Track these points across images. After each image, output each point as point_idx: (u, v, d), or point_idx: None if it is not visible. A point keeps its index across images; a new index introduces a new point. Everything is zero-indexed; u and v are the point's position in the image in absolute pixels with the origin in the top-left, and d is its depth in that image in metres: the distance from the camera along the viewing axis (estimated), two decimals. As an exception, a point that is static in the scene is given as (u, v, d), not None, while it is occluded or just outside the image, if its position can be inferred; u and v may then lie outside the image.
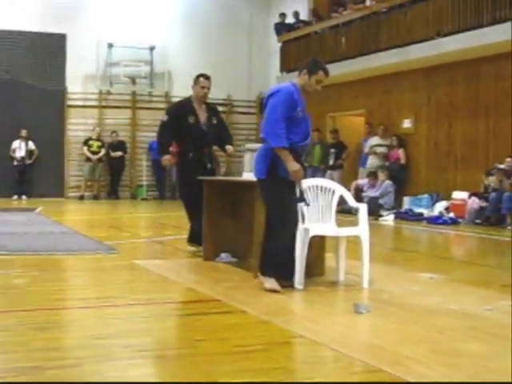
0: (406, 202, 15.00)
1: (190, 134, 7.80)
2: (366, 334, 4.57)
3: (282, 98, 5.65)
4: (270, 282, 5.68)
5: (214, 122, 7.97)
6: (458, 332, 4.41)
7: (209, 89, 7.89)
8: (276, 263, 5.75)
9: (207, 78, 7.92)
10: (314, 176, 15.57)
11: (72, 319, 4.81)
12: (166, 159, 7.98)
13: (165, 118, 7.95)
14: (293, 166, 5.63)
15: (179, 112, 7.91)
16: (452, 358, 3.80)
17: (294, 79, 5.91)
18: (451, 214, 13.43)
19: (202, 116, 7.88)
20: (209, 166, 7.86)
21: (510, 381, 3.25)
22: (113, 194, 19.95)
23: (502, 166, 12.77)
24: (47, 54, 19.44)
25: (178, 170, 8.45)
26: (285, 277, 5.77)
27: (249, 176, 6.89)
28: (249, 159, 7.06)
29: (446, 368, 3.59)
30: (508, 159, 12.70)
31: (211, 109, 8.11)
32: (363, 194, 14.74)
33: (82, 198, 19.46)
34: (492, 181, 13.06)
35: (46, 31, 19.23)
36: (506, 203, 12.36)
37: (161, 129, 8.00)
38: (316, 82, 5.79)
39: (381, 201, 14.50)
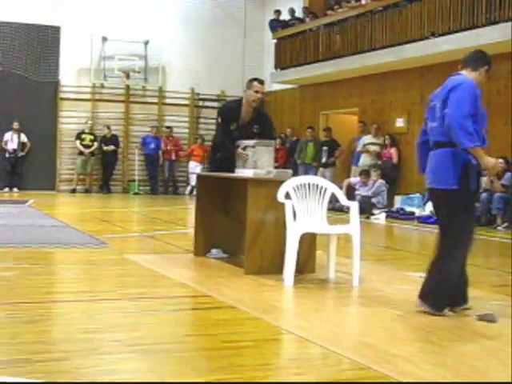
0: (398, 201, 15.03)
1: (227, 138, 7.37)
2: (355, 331, 4.58)
3: (467, 91, 4.85)
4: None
5: (255, 130, 7.34)
6: (447, 331, 4.43)
7: (262, 93, 7.32)
8: (448, 289, 4.89)
9: (261, 82, 7.34)
10: (306, 173, 15.61)
11: (61, 313, 4.81)
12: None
13: (219, 119, 7.57)
14: (488, 160, 4.84)
15: (227, 116, 7.44)
16: (440, 356, 3.82)
17: (465, 72, 5.08)
18: (442, 214, 13.44)
19: (244, 123, 7.37)
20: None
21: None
22: (105, 188, 19.92)
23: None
24: (41, 47, 19.39)
25: (207, 167, 7.79)
26: (457, 303, 4.97)
27: (242, 172, 6.90)
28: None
29: (434, 367, 3.60)
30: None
31: (258, 116, 7.45)
32: (356, 193, 14.77)
33: (73, 191, 19.43)
34: (483, 181, 13.09)
35: (40, 23, 19.18)
36: (496, 204, 12.41)
37: (217, 131, 7.78)
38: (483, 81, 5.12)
39: (374, 200, 14.52)
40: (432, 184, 5.04)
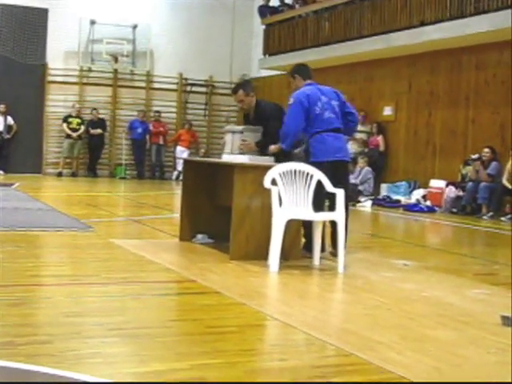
0: (384, 189, 15.07)
1: None
2: (339, 318, 4.60)
3: None
4: None
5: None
6: (429, 319, 4.46)
7: (242, 101, 7.29)
8: None
9: (235, 92, 7.39)
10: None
11: (45, 296, 4.80)
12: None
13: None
14: None
15: (244, 119, 7.66)
16: (421, 344, 3.85)
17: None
18: (428, 202, 13.53)
19: (251, 123, 7.42)
20: None
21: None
22: (91, 171, 19.86)
23: (479, 156, 12.85)
24: (28, 29, 19.23)
25: None
26: None
27: (228, 158, 6.89)
28: (229, 141, 7.05)
29: (415, 354, 3.63)
30: (486, 149, 12.78)
31: (257, 114, 7.40)
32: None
33: (60, 174, 19.35)
34: (469, 170, 13.16)
35: (28, 5, 19.03)
36: (481, 193, 12.47)
37: None
38: None
39: (360, 187, 14.56)
40: None
